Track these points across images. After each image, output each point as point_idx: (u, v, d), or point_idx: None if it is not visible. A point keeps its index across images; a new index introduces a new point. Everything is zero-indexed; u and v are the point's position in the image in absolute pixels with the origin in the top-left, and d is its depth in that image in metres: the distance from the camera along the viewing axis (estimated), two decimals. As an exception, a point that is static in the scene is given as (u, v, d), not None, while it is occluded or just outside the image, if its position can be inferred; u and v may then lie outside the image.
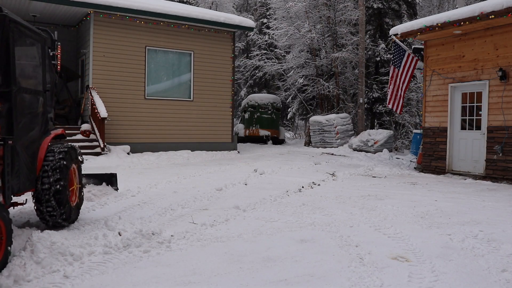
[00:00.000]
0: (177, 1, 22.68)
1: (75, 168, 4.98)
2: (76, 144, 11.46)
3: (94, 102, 11.84)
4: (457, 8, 11.38)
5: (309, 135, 18.51)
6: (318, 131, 17.63)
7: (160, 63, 13.66)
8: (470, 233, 4.70)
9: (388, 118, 18.79)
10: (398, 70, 11.76)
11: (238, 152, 14.63)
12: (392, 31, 11.32)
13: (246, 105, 20.37)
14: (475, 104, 10.03)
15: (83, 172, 6.12)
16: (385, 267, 3.62)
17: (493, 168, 9.39)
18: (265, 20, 25.30)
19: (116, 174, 6.81)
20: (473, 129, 10.07)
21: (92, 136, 11.93)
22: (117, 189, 6.68)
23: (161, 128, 13.48)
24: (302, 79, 20.85)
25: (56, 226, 4.51)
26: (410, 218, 5.43)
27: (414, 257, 3.88)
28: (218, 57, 14.50)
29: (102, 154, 11.38)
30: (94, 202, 5.98)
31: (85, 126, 12.05)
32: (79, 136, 11.89)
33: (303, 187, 7.75)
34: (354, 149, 15.77)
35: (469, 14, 9.21)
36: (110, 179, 6.69)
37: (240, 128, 20.37)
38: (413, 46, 12.53)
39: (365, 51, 18.38)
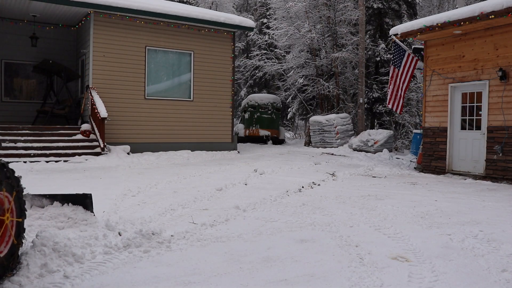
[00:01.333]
0: (177, 1, 22.69)
1: (7, 197, 3.26)
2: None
3: (94, 102, 11.84)
4: (457, 8, 11.39)
5: (309, 135, 18.51)
6: (318, 131, 17.63)
7: (160, 63, 13.66)
8: (470, 233, 4.70)
9: (388, 118, 18.79)
10: (398, 70, 11.76)
11: (238, 152, 14.64)
12: (392, 31, 11.32)
13: (246, 105, 20.37)
14: (475, 104, 10.03)
15: (45, 192, 4.89)
16: (385, 267, 3.62)
17: (493, 168, 9.39)
18: (265, 20, 25.30)
19: (91, 195, 4.84)
20: (473, 129, 10.07)
21: (92, 136, 11.93)
22: (93, 214, 4.78)
23: (161, 128, 13.49)
24: (302, 79, 20.86)
25: None
26: (410, 218, 5.43)
27: (414, 257, 3.88)
28: (218, 57, 14.50)
29: (102, 154, 11.38)
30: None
31: (85, 126, 12.05)
32: (79, 136, 11.89)
33: (303, 187, 7.75)
34: (354, 149, 15.77)
35: (469, 14, 9.21)
36: (83, 201, 4.79)
37: (240, 128, 20.37)
38: (413, 46, 12.53)
39: (365, 51, 18.38)
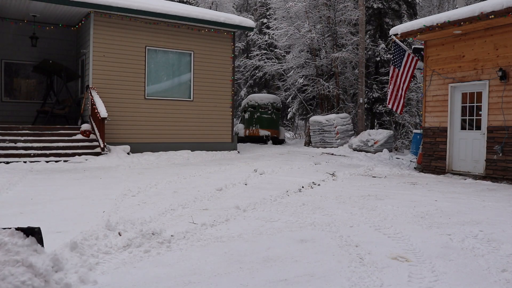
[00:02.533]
0: (177, 1, 22.68)
1: None
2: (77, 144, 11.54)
3: (94, 102, 11.84)
4: (457, 8, 11.38)
5: (309, 135, 18.51)
6: (318, 131, 17.63)
7: (160, 63, 13.66)
8: (470, 233, 4.70)
9: (388, 118, 18.80)
10: (399, 70, 11.76)
11: (238, 152, 14.64)
12: (392, 31, 11.32)
13: (246, 105, 20.37)
14: (475, 104, 10.03)
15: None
16: (385, 267, 3.62)
17: (493, 168, 9.39)
18: (265, 20, 25.30)
19: (39, 229, 3.38)
20: (473, 129, 10.07)
21: (92, 136, 11.93)
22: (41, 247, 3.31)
23: (161, 128, 13.49)
24: (302, 79, 20.86)
25: None
26: (410, 218, 5.43)
27: (414, 257, 3.88)
28: (218, 57, 14.51)
29: (102, 154, 11.38)
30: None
31: (85, 126, 12.05)
32: (79, 136, 11.89)
33: (303, 187, 7.75)
34: (354, 149, 15.77)
35: (469, 14, 9.21)
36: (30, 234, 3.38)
37: (240, 128, 20.37)
38: (413, 46, 12.53)
39: (365, 51, 18.38)
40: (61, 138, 11.56)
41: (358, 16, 18.29)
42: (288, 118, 25.78)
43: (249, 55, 27.37)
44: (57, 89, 14.35)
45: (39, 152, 10.76)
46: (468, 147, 10.10)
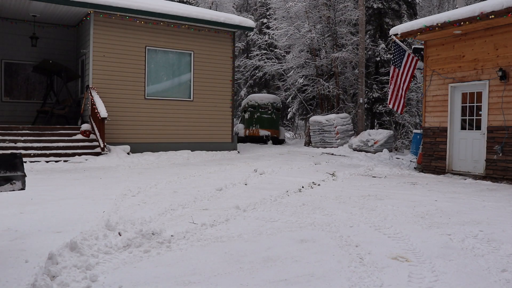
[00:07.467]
0: (177, 1, 22.68)
1: None
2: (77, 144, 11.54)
3: (94, 102, 11.84)
4: (457, 8, 11.38)
5: (309, 135, 18.51)
6: (318, 131, 17.63)
7: (160, 63, 13.66)
8: (470, 233, 4.70)
9: (388, 118, 18.79)
10: (399, 70, 11.75)
11: (238, 152, 14.64)
12: (392, 31, 11.32)
13: (246, 105, 20.37)
14: (475, 104, 10.03)
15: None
16: (385, 267, 3.62)
17: (493, 168, 9.39)
18: (265, 20, 25.30)
19: (20, 154, 3.47)
20: (473, 129, 10.07)
21: (92, 136, 11.93)
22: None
23: (161, 128, 13.49)
24: (302, 79, 20.86)
25: None
26: (410, 218, 5.43)
27: (414, 257, 3.88)
28: (218, 57, 14.51)
29: (102, 154, 11.38)
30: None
31: (85, 126, 12.05)
32: (79, 136, 11.89)
33: (303, 187, 7.75)
34: (354, 149, 15.77)
35: (469, 14, 9.21)
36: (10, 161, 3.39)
37: (240, 128, 20.38)
38: (413, 46, 12.53)
39: (365, 51, 18.38)
40: (61, 138, 11.56)
41: (358, 16, 18.28)
42: (288, 118, 25.79)
43: (249, 55, 27.37)
44: (57, 89, 14.36)
45: (39, 152, 10.76)
46: (468, 147, 10.10)
